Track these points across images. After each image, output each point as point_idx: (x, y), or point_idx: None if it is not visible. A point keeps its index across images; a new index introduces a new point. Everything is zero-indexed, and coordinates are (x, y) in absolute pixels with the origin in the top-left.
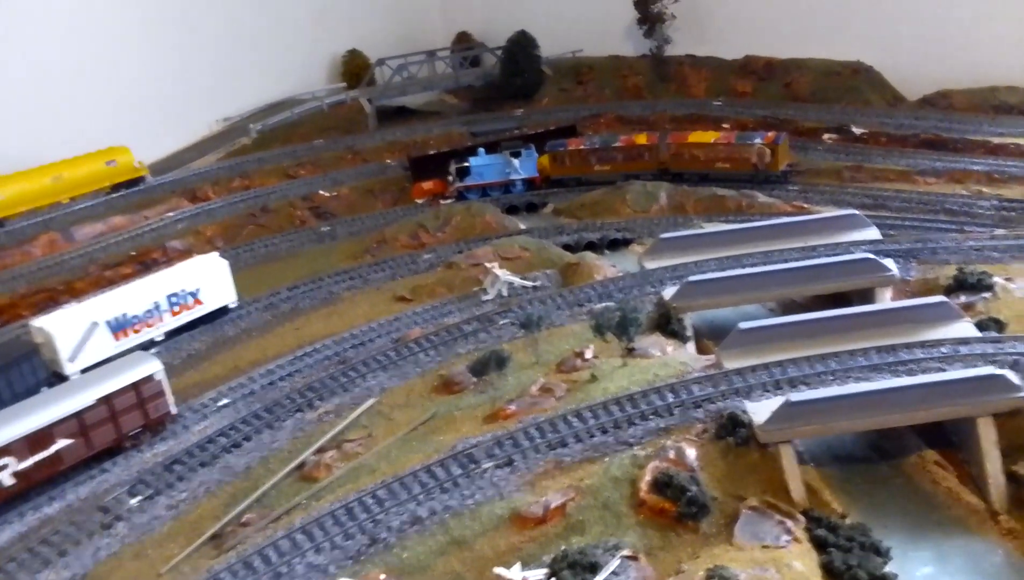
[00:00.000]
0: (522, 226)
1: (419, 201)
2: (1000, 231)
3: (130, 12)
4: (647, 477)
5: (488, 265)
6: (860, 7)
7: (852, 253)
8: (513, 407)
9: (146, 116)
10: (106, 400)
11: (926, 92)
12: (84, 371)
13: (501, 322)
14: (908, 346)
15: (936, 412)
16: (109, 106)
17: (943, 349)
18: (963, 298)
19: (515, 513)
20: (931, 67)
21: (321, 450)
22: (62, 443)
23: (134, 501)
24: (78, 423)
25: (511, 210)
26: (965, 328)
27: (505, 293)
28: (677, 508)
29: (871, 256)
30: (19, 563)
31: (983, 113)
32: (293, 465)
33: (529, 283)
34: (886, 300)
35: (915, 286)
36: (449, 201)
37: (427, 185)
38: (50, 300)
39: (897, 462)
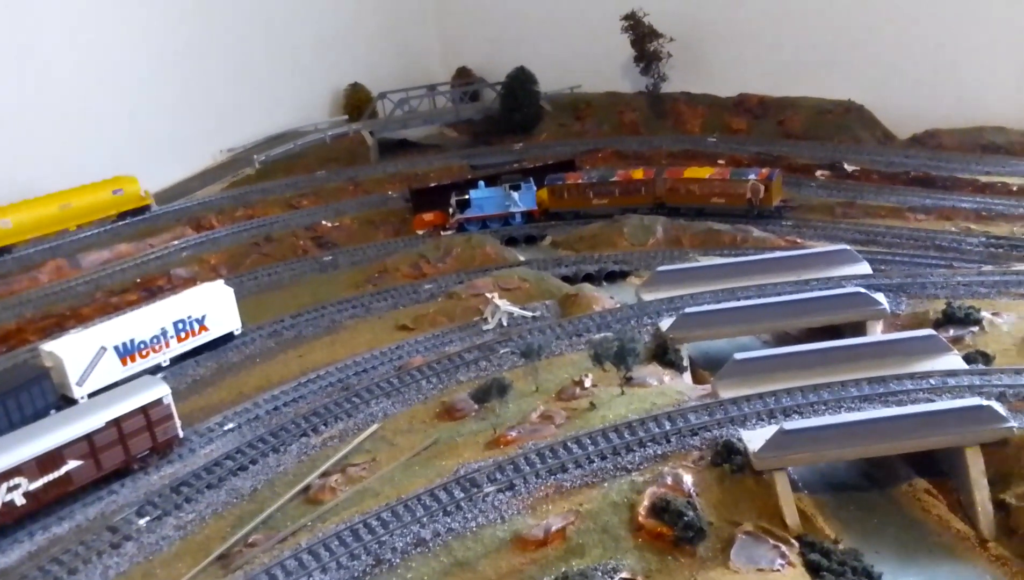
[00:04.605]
0: (521, 258)
1: (420, 232)
2: (988, 267)
3: (138, 46)
4: (645, 502)
5: (488, 295)
6: (851, 47)
7: (844, 287)
8: (514, 434)
9: (152, 146)
10: (115, 423)
11: (916, 131)
12: (92, 395)
13: (502, 351)
14: (898, 377)
15: (926, 442)
16: (116, 136)
17: (932, 381)
18: (952, 332)
19: (517, 536)
20: (920, 106)
21: (326, 474)
22: (72, 464)
23: (142, 521)
24: (88, 445)
25: (510, 242)
26: (953, 361)
27: (505, 323)
28: (674, 532)
29: (862, 290)
30: None
31: (971, 152)
32: (298, 488)
33: (528, 313)
34: (877, 333)
35: (905, 320)
36: (449, 232)
37: (428, 217)
38: (56, 326)
39: (888, 490)
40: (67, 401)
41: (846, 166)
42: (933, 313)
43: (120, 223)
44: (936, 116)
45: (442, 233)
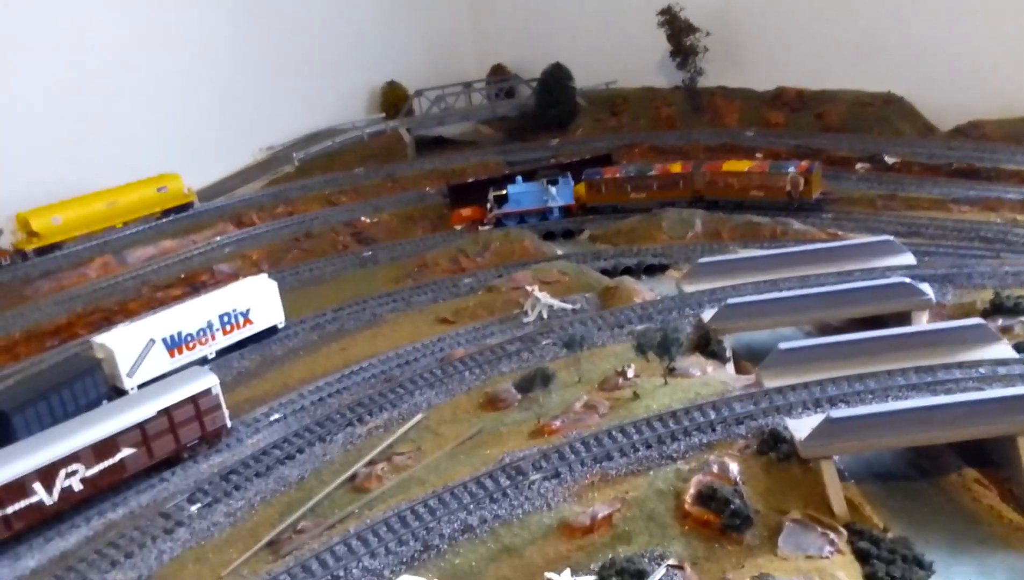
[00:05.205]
0: (559, 252)
1: (458, 227)
2: None
3: (180, 49)
4: (691, 490)
5: (528, 288)
6: (890, 39)
7: (888, 278)
8: (558, 423)
9: (195, 145)
10: (166, 412)
11: (958, 122)
12: (141, 386)
13: (544, 342)
14: (946, 366)
15: (976, 430)
16: (160, 135)
17: (981, 369)
18: (1000, 321)
19: (563, 523)
20: (962, 97)
21: (372, 462)
22: (126, 452)
23: (194, 508)
24: (141, 433)
25: (548, 236)
26: (1003, 350)
27: (545, 315)
28: (721, 520)
29: (907, 280)
30: (89, 563)
31: (1015, 143)
32: (345, 476)
33: (568, 306)
34: (923, 323)
35: (951, 310)
36: (487, 228)
37: (466, 212)
38: (105, 320)
39: (937, 479)
40: (118, 392)
41: (886, 158)
42: (980, 303)
43: (164, 220)
44: (979, 107)
45: (480, 228)
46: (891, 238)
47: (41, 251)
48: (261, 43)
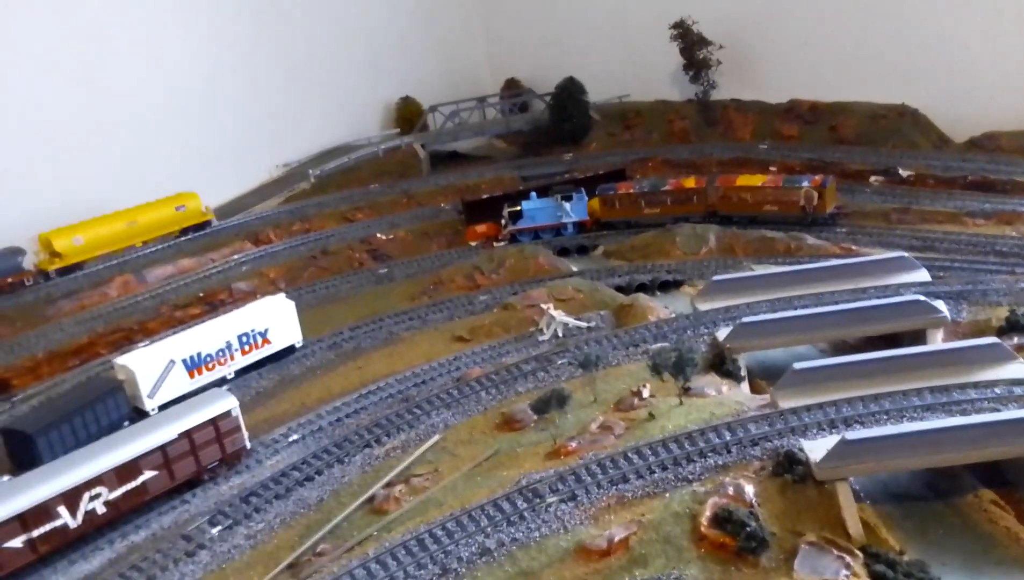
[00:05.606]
0: (574, 268)
1: (473, 244)
2: None
3: (197, 69)
4: (707, 512)
5: (544, 306)
6: (904, 51)
7: (903, 295)
8: (574, 444)
9: (212, 163)
10: (187, 434)
11: (973, 134)
12: (161, 407)
13: (559, 362)
14: (962, 386)
15: (993, 451)
16: (178, 154)
17: (997, 390)
18: (1016, 339)
19: (580, 546)
20: (977, 109)
21: (390, 484)
22: (148, 474)
23: (215, 530)
24: (162, 456)
25: (562, 252)
26: (1019, 369)
27: (561, 334)
28: (737, 543)
29: (922, 298)
30: None
31: None
32: (364, 498)
33: (584, 324)
34: (937, 341)
35: (966, 328)
36: (502, 244)
37: (480, 228)
38: (125, 339)
39: (953, 501)
40: (139, 413)
41: (901, 171)
42: (996, 320)
43: (183, 238)
44: (994, 118)
45: (495, 244)
46: (905, 254)
47: (63, 271)
48: (276, 61)
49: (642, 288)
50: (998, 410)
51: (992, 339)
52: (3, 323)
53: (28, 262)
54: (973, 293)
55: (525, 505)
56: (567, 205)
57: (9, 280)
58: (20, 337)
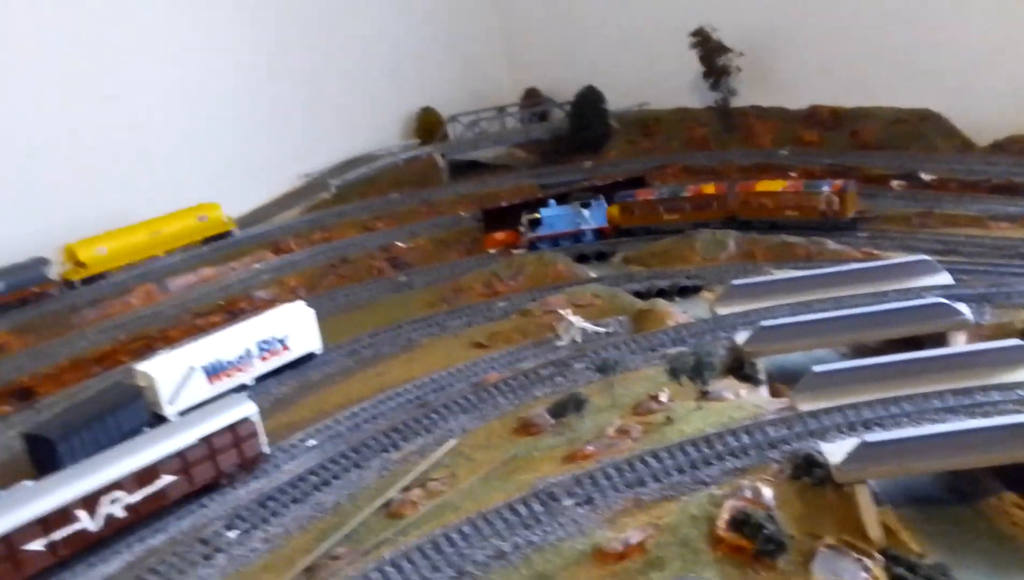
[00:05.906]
0: (593, 274)
1: (492, 251)
2: None
3: (218, 81)
4: (724, 515)
5: (562, 312)
6: (926, 55)
7: (924, 298)
8: (591, 448)
9: (233, 173)
10: (206, 440)
11: (996, 137)
12: (181, 413)
13: (577, 366)
14: (984, 389)
15: (1015, 454)
16: (200, 165)
17: (1020, 391)
18: None
19: (596, 549)
20: (1001, 112)
21: (406, 488)
22: (167, 479)
23: (232, 534)
24: (181, 461)
25: (581, 259)
26: None
27: (579, 339)
28: (755, 546)
29: (944, 301)
30: None
31: None
32: (380, 502)
33: (602, 329)
34: (960, 344)
35: (989, 330)
36: (521, 251)
37: (499, 236)
38: (147, 347)
39: (975, 504)
40: (159, 419)
41: (923, 175)
42: (1019, 323)
43: (205, 248)
44: (1018, 121)
45: (513, 252)
46: (927, 257)
47: (88, 281)
48: (297, 72)
49: (661, 294)
50: (1021, 412)
51: (1015, 341)
52: (29, 331)
53: (53, 272)
54: (996, 296)
55: (541, 508)
56: (586, 212)
57: (35, 290)
58: (44, 345)
